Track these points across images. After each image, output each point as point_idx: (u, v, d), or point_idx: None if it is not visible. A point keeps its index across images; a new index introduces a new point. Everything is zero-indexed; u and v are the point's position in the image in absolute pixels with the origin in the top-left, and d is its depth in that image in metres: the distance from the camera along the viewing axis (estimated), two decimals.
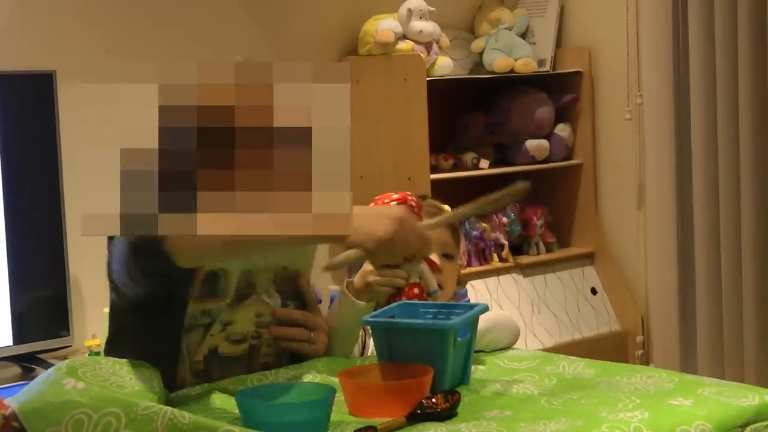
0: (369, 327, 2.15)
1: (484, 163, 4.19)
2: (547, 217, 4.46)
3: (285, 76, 1.77)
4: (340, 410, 1.83)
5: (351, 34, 4.15)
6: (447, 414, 1.80)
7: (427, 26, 4.05)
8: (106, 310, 2.16)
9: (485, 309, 2.07)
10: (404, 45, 4.03)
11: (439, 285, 2.27)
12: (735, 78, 3.93)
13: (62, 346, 3.38)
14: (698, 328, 4.11)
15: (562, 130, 4.43)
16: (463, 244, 2.62)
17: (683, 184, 4.14)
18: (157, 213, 1.74)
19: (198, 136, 1.75)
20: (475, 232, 4.18)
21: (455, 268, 2.42)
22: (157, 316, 2.05)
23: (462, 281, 2.51)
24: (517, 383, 2.00)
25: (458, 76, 4.25)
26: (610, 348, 4.21)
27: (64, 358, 3.26)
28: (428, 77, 3.98)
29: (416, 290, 2.27)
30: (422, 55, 3.99)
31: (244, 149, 1.75)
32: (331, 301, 2.34)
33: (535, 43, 4.43)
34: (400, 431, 1.74)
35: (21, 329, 3.30)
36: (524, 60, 4.28)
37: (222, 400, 1.92)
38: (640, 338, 4.38)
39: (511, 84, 4.38)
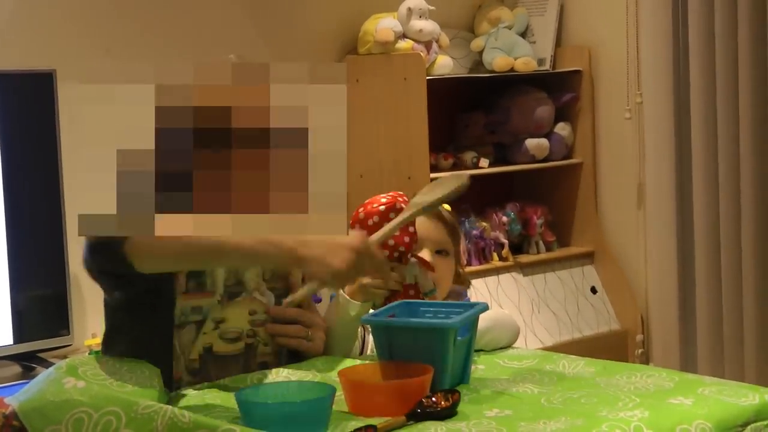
0: (368, 324, 2.16)
1: (484, 162, 4.19)
2: (547, 216, 4.45)
3: (281, 77, 1.77)
4: (340, 409, 1.83)
5: (351, 33, 4.15)
6: (447, 413, 1.80)
7: (427, 25, 4.04)
8: None
9: (485, 308, 2.07)
10: (404, 44, 4.03)
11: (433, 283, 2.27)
12: (735, 77, 3.93)
13: (62, 345, 3.38)
14: (698, 327, 4.11)
15: (562, 129, 4.43)
16: (463, 243, 2.61)
17: (683, 184, 4.14)
18: (153, 214, 1.75)
19: (194, 136, 1.75)
20: (475, 231, 4.18)
21: (450, 264, 2.41)
22: (146, 313, 2.05)
23: (465, 281, 2.51)
24: (517, 382, 2.00)
25: (458, 75, 4.25)
26: (610, 347, 4.21)
27: (65, 357, 3.26)
28: (428, 76, 3.98)
29: (412, 291, 2.28)
30: (422, 54, 3.99)
31: (241, 150, 1.75)
32: (331, 299, 2.34)
33: (534, 42, 4.43)
34: (400, 430, 1.74)
35: (21, 328, 3.30)
36: (524, 59, 4.28)
37: (222, 399, 1.92)
38: (639, 337, 4.38)
39: (511, 83, 4.38)
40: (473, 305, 2.09)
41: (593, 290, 4.44)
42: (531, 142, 4.31)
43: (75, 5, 3.58)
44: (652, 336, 4.33)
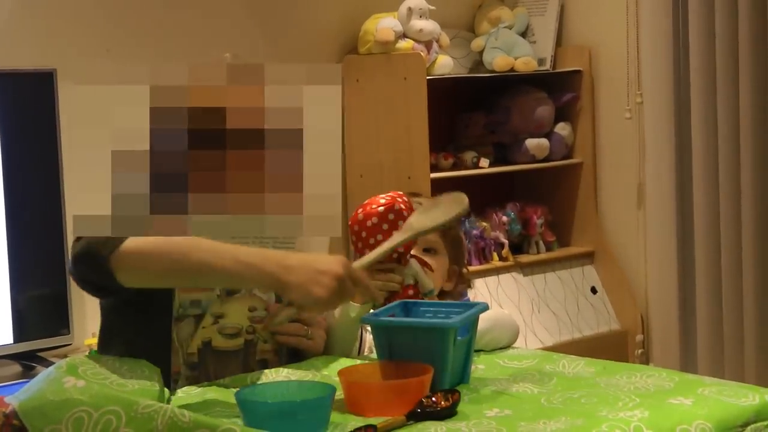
0: (368, 324, 2.15)
1: (484, 162, 4.19)
2: (547, 216, 4.46)
3: (276, 78, 1.77)
4: (340, 409, 1.83)
5: (351, 32, 4.15)
6: (447, 413, 1.80)
7: (427, 25, 4.04)
8: None
9: (485, 308, 2.07)
10: (404, 44, 4.03)
11: None
12: (735, 77, 3.93)
13: (62, 344, 3.38)
14: (698, 327, 4.11)
15: (562, 129, 4.43)
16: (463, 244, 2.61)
17: (683, 184, 4.14)
18: (148, 215, 1.75)
19: (189, 137, 1.75)
20: (475, 231, 4.18)
21: (440, 262, 2.41)
22: (139, 315, 2.06)
23: (466, 281, 2.51)
24: (517, 382, 2.00)
25: (458, 75, 4.25)
26: (609, 347, 4.21)
27: (65, 356, 3.26)
28: (428, 76, 3.98)
29: (411, 292, 2.27)
30: (422, 53, 3.99)
31: (236, 151, 1.76)
32: None
33: (535, 42, 4.43)
34: (400, 430, 1.74)
35: (21, 327, 3.30)
36: (524, 59, 4.28)
37: (222, 399, 1.92)
38: (639, 337, 4.38)
39: (511, 83, 4.38)
40: (473, 305, 2.08)
41: (593, 290, 4.44)
42: (531, 142, 4.31)
43: (75, 5, 3.58)
44: (652, 336, 4.33)
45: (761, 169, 3.92)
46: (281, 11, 4.04)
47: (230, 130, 1.75)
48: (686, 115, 4.10)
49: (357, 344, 2.29)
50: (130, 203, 1.75)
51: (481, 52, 4.34)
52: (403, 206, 2.25)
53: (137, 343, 2.02)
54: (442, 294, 2.38)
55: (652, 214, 4.24)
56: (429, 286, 2.28)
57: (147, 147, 1.74)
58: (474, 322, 2.04)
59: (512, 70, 4.27)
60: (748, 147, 3.91)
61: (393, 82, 4.02)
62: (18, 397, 1.72)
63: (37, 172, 3.34)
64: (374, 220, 2.24)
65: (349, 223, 2.26)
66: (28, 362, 3.31)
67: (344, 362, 2.10)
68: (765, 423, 1.83)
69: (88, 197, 1.77)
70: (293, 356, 2.18)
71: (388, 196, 2.28)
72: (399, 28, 4.03)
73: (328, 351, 2.22)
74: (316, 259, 1.89)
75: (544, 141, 4.35)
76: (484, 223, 4.23)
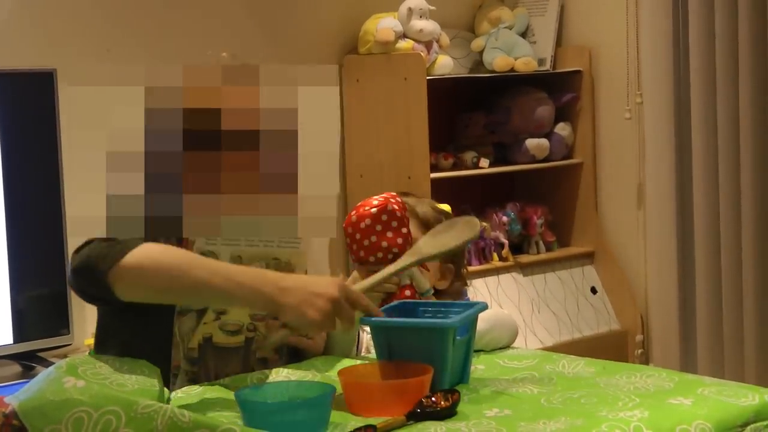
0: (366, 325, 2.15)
1: (484, 162, 4.19)
2: (547, 216, 4.45)
3: (271, 79, 1.77)
4: (340, 409, 1.83)
5: (351, 33, 4.15)
6: (447, 413, 1.80)
7: (428, 25, 4.04)
8: None
9: (484, 307, 2.07)
10: (404, 44, 4.03)
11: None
12: (735, 77, 3.93)
13: (62, 344, 3.38)
14: (698, 328, 4.11)
15: (562, 129, 4.43)
16: None
17: (683, 184, 4.14)
18: (143, 216, 1.76)
19: (184, 138, 1.75)
20: None
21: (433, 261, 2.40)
22: (136, 318, 2.06)
23: (463, 279, 2.50)
24: (517, 382, 2.00)
25: (458, 75, 4.25)
26: (609, 347, 4.21)
27: (65, 356, 3.26)
28: (428, 76, 3.98)
29: (408, 292, 2.27)
30: (422, 54, 3.99)
31: (231, 152, 1.76)
32: None
33: (535, 42, 4.43)
34: (400, 430, 1.74)
35: (21, 327, 3.30)
36: (524, 59, 4.28)
37: (222, 399, 1.92)
38: (639, 337, 4.38)
39: (512, 83, 4.38)
40: (472, 304, 2.08)
41: (593, 290, 4.44)
42: (531, 142, 4.31)
43: (75, 5, 3.58)
44: (651, 336, 4.33)
45: (761, 169, 3.92)
46: (281, 11, 4.04)
47: (225, 131, 1.76)
48: (686, 115, 4.10)
49: (355, 345, 2.30)
50: (125, 204, 1.75)
51: (481, 53, 4.34)
52: (396, 207, 2.25)
53: (133, 345, 2.02)
54: (438, 293, 2.38)
55: (652, 214, 4.24)
56: (425, 285, 2.28)
57: (142, 148, 1.74)
58: (473, 321, 2.04)
59: (512, 70, 4.27)
60: (748, 147, 3.91)
61: (393, 82, 4.02)
62: (18, 397, 1.72)
63: (37, 172, 3.33)
64: (367, 221, 2.24)
65: (343, 225, 2.27)
66: (28, 362, 3.31)
67: (344, 362, 2.10)
68: (765, 423, 1.83)
69: (87, 197, 1.77)
70: (293, 356, 2.18)
71: (381, 197, 2.28)
72: (399, 28, 4.02)
73: (327, 352, 2.22)
74: (313, 281, 1.89)
75: (544, 141, 4.35)
76: (484, 223, 4.23)
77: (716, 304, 4.05)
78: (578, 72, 4.42)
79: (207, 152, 1.75)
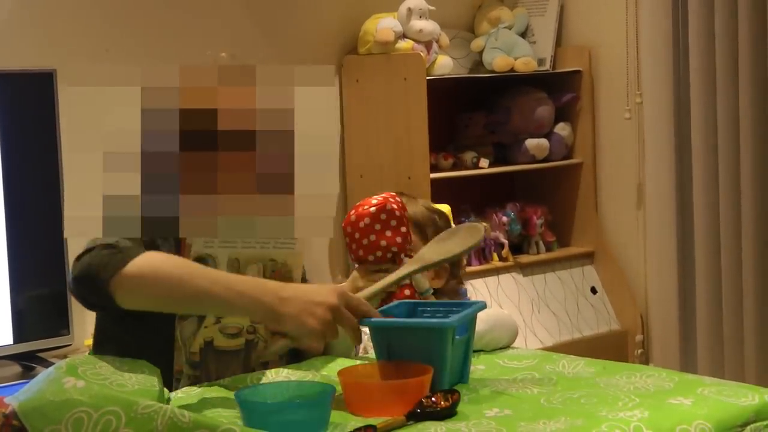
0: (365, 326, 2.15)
1: (484, 162, 4.19)
2: (546, 217, 4.46)
3: (268, 79, 1.77)
4: (339, 409, 1.83)
5: (351, 33, 4.15)
6: (447, 413, 1.80)
7: (427, 25, 4.05)
8: None
9: (483, 306, 2.06)
10: (404, 44, 4.03)
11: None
12: (735, 77, 3.93)
13: (62, 344, 3.38)
14: (698, 328, 4.11)
15: (562, 129, 4.43)
16: None
17: (683, 184, 4.14)
18: (140, 216, 1.76)
19: (181, 139, 1.75)
20: None
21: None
22: (135, 322, 2.06)
23: (459, 277, 2.50)
24: (517, 382, 2.00)
25: (458, 75, 4.25)
26: (609, 347, 4.21)
27: (65, 356, 3.26)
28: (428, 76, 3.98)
29: (407, 292, 2.28)
30: (422, 54, 3.99)
31: (227, 152, 1.76)
32: None
33: (535, 42, 4.43)
34: (400, 430, 1.74)
35: (21, 328, 3.30)
36: (524, 59, 4.28)
37: (222, 399, 1.92)
38: (639, 337, 4.38)
39: (511, 83, 4.38)
40: (471, 304, 2.08)
41: (593, 290, 4.44)
42: (531, 142, 4.31)
43: (75, 6, 3.58)
44: (651, 336, 4.33)
45: (761, 169, 3.92)
46: (281, 12, 4.04)
47: (221, 131, 1.76)
48: (686, 115, 4.10)
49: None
50: (122, 204, 1.75)
51: (481, 53, 4.34)
52: (395, 206, 2.25)
53: (132, 349, 2.02)
54: (434, 292, 2.38)
55: (651, 214, 4.24)
56: (424, 285, 2.28)
57: (138, 148, 1.75)
58: (472, 321, 2.04)
59: (512, 70, 4.27)
60: (748, 147, 3.91)
61: (393, 83, 4.02)
62: (18, 397, 1.72)
63: (36, 172, 3.33)
64: (366, 221, 2.24)
65: (342, 224, 2.27)
66: (28, 363, 3.31)
67: (344, 362, 2.10)
68: (765, 423, 1.83)
69: (87, 198, 1.77)
70: (293, 356, 2.18)
71: (380, 196, 2.28)
72: (399, 28, 4.03)
73: (327, 352, 2.22)
74: (313, 290, 1.89)
75: (544, 141, 4.35)
76: (484, 223, 4.23)
77: (716, 304, 4.05)
78: (578, 72, 4.42)
79: (203, 152, 1.76)
